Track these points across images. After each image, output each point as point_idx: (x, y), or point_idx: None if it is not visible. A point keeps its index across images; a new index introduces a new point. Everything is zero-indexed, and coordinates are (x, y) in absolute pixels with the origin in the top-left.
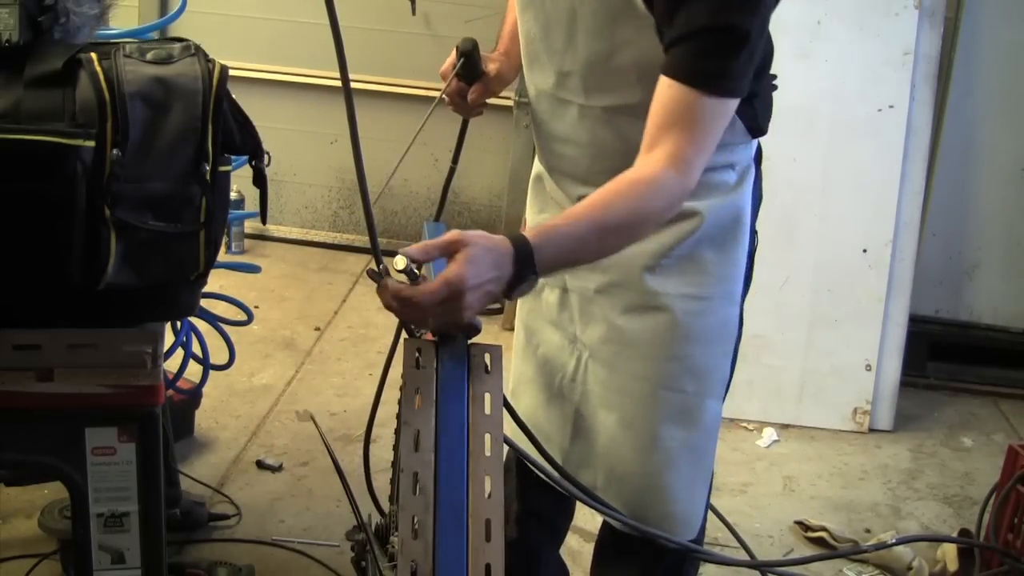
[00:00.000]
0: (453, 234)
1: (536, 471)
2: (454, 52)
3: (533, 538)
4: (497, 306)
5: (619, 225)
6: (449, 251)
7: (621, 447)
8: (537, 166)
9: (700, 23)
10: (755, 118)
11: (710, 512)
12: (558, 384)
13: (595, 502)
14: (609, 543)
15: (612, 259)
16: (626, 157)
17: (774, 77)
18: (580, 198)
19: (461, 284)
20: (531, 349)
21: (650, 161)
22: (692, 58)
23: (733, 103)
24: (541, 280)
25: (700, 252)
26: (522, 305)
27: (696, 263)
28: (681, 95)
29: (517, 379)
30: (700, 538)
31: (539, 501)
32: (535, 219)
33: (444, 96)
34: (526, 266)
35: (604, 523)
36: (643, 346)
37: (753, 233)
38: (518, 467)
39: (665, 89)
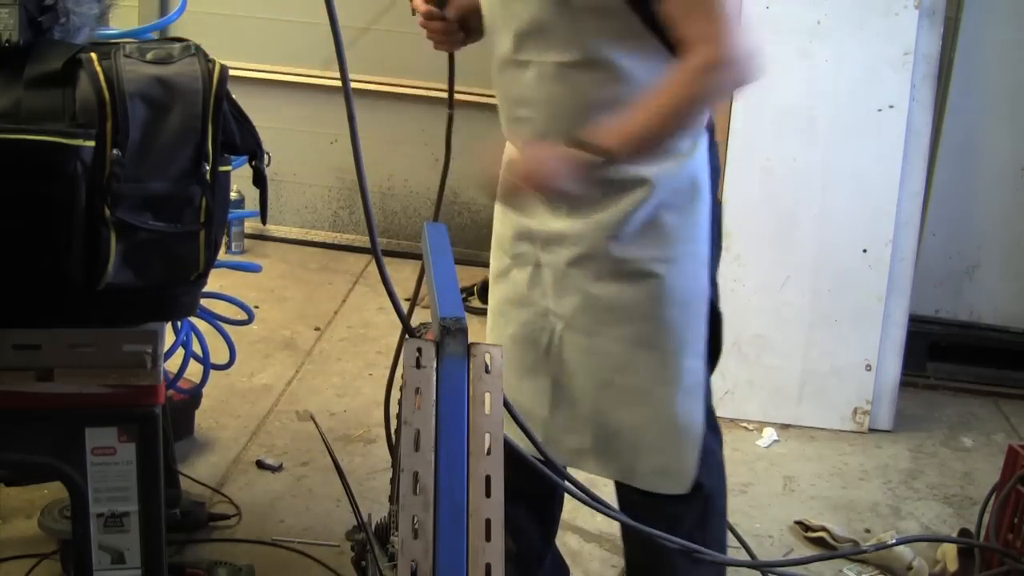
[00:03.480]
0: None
1: (544, 469)
2: None
3: (522, 519)
4: None
5: (680, 104)
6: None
7: (607, 407)
8: (507, 153)
9: None
10: None
11: None
12: (532, 359)
13: (592, 500)
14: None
15: (579, 232)
16: (577, 114)
17: None
18: None
19: (532, 156)
20: (500, 333)
21: (687, 55)
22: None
23: None
24: (509, 260)
25: (661, 218)
26: (492, 294)
27: (659, 228)
28: None
29: None
30: (720, 506)
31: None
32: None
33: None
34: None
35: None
36: (619, 310)
37: (716, 203)
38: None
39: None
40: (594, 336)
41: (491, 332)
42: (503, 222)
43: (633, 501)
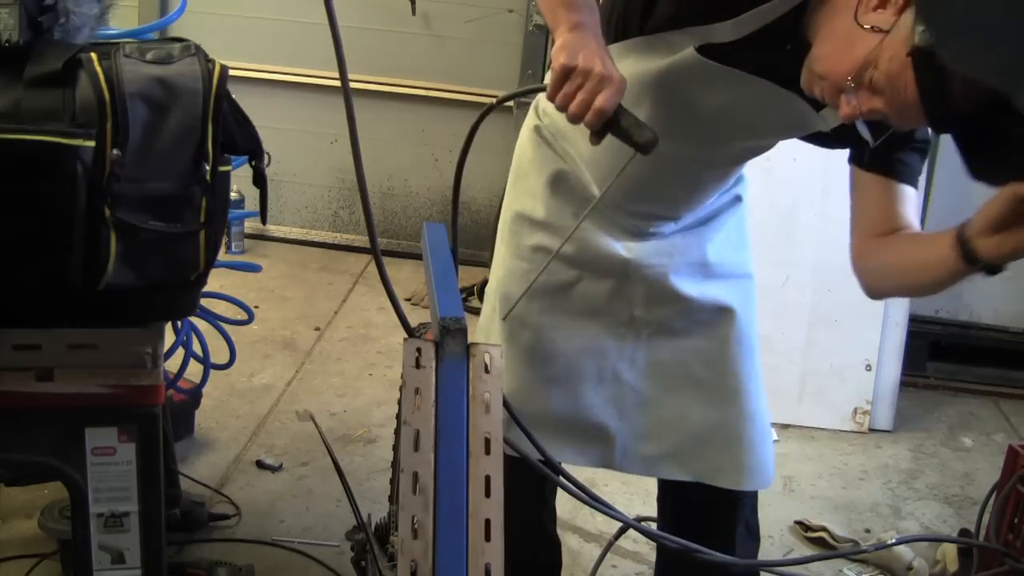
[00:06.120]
0: None
1: (544, 469)
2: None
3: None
4: None
5: None
6: None
7: (696, 407)
8: (556, 166)
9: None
10: None
11: None
12: (601, 367)
13: (592, 500)
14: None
15: (678, 246)
16: (704, 198)
17: None
18: (651, 229)
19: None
20: (550, 348)
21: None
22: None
23: None
24: (577, 272)
25: (739, 225)
26: (527, 312)
27: (739, 234)
28: (912, 193)
29: (530, 383)
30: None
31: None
32: (568, 223)
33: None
34: None
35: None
36: (716, 309)
37: None
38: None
39: (892, 188)
40: (691, 336)
41: (529, 351)
42: (546, 236)
43: (699, 501)
